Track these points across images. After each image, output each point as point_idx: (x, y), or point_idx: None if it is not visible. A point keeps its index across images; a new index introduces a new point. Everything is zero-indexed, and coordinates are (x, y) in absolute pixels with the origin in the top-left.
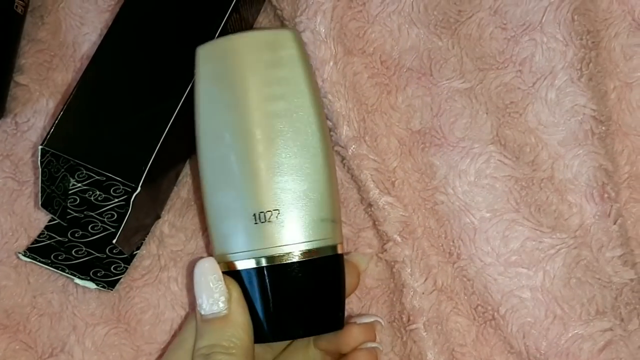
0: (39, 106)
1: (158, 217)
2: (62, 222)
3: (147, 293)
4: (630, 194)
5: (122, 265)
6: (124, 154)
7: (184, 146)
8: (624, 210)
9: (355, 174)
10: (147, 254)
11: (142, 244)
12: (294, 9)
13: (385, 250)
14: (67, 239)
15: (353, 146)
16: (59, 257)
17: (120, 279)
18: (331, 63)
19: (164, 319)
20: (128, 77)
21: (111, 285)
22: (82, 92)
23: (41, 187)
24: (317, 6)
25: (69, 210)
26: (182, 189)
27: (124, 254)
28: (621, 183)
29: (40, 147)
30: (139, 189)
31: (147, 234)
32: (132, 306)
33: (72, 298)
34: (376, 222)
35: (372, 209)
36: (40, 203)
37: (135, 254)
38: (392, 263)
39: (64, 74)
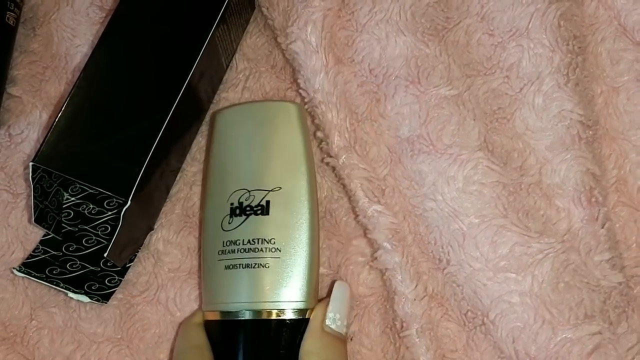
0: (32, 118)
1: (151, 229)
2: (56, 237)
3: (147, 312)
4: (618, 198)
5: (116, 278)
6: (114, 168)
7: (174, 159)
8: (611, 213)
9: (345, 183)
10: (144, 271)
11: (135, 256)
12: (285, 19)
13: (376, 258)
14: (61, 253)
15: (344, 156)
16: (54, 272)
17: (114, 291)
18: (322, 73)
19: (167, 339)
20: (117, 91)
21: (105, 298)
22: (71, 107)
23: (34, 202)
24: (308, 16)
25: (63, 225)
26: (177, 204)
27: (118, 267)
28: (609, 187)
29: (31, 163)
30: (130, 202)
31: (140, 246)
32: (133, 323)
33: (75, 314)
34: (366, 231)
35: (362, 217)
36: (33, 219)
37: (129, 266)
38: (383, 270)
39: (57, 86)
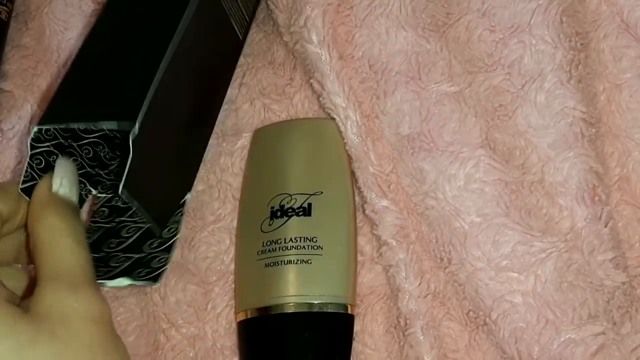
0: (23, 112)
1: (187, 190)
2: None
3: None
4: (621, 196)
5: (164, 256)
6: (118, 103)
7: (195, 115)
8: (615, 212)
9: (357, 176)
10: None
11: (177, 228)
12: (288, 16)
13: (380, 255)
14: (103, 253)
15: (355, 152)
16: (98, 275)
17: (164, 270)
18: (328, 70)
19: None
20: (116, 55)
21: (154, 279)
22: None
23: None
24: (308, 13)
25: (100, 225)
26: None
27: (164, 247)
28: (612, 185)
29: (35, 128)
30: (138, 128)
31: (181, 213)
32: (116, 316)
33: None
34: (373, 227)
35: (370, 212)
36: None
37: (174, 240)
38: (387, 267)
39: (49, 80)
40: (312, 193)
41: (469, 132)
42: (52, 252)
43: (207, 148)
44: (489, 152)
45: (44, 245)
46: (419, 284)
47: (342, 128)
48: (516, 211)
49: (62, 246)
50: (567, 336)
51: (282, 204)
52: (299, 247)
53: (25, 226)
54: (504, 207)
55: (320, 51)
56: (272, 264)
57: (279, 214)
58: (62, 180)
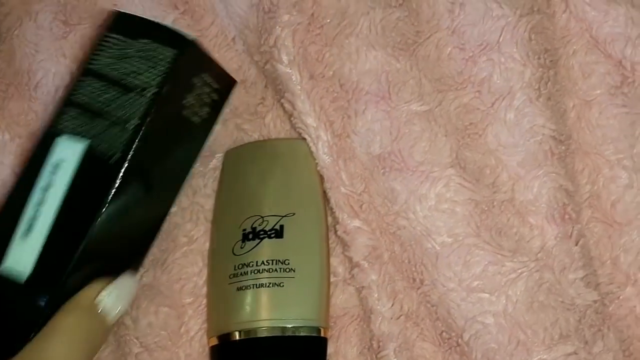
0: None
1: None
2: None
3: None
4: (591, 214)
5: None
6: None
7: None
8: (585, 230)
9: (329, 197)
10: None
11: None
12: (258, 36)
13: (353, 276)
14: None
15: (327, 172)
16: None
17: None
18: (298, 90)
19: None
20: None
21: None
22: None
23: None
24: (277, 33)
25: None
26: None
27: None
28: (582, 203)
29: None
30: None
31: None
32: None
33: None
34: (344, 248)
35: (342, 233)
36: None
37: None
38: (360, 289)
39: (19, 103)
40: (284, 215)
41: (439, 152)
42: (46, 347)
43: None
44: (460, 171)
45: (48, 334)
46: (392, 305)
47: (313, 148)
48: (487, 231)
49: (58, 352)
50: (539, 357)
51: (253, 226)
52: (271, 270)
53: None
54: (474, 227)
55: (290, 71)
56: (244, 288)
57: (250, 236)
58: (112, 294)
